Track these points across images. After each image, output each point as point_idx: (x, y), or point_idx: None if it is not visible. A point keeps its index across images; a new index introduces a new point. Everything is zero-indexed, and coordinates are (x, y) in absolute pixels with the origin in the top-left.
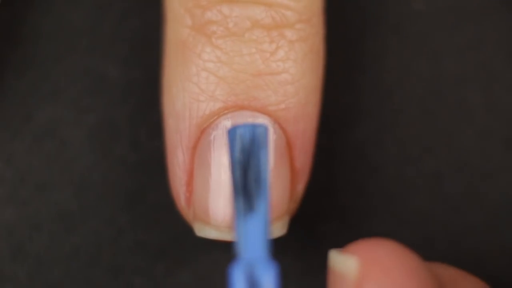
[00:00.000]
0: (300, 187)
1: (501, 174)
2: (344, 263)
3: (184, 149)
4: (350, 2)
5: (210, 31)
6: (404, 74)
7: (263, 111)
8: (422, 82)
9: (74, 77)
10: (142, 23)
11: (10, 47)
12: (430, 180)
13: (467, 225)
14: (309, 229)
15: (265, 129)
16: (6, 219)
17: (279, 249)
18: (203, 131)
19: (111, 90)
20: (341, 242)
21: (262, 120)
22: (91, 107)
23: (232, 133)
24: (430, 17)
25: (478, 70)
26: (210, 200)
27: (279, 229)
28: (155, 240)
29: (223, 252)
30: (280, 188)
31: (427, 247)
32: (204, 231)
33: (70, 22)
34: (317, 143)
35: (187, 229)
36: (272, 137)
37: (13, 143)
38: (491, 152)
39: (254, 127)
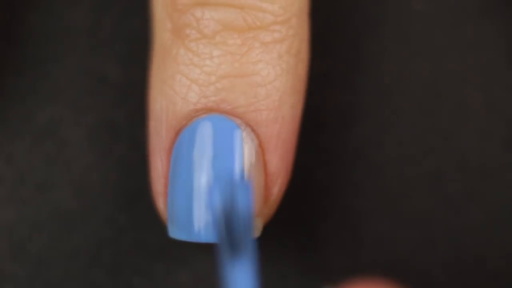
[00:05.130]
0: (276, 190)
1: (501, 174)
2: None
3: (162, 152)
4: (350, 2)
5: (184, 34)
6: (404, 74)
7: (232, 113)
8: (422, 82)
9: (74, 77)
10: (142, 23)
11: (10, 47)
12: (430, 180)
13: (467, 225)
14: (309, 229)
15: (248, 188)
16: (6, 219)
17: (279, 249)
18: (177, 134)
19: (111, 90)
20: (341, 242)
21: (234, 122)
22: (91, 107)
23: (212, 191)
24: (430, 17)
25: (478, 70)
26: None
27: None
28: (155, 240)
29: None
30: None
31: (427, 247)
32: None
33: (70, 22)
34: (317, 143)
35: None
36: (243, 139)
37: (13, 143)
38: (491, 152)
39: (234, 192)
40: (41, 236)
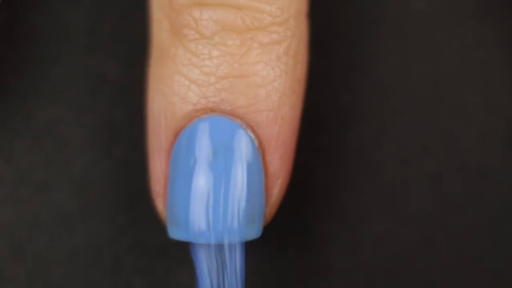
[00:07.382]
0: (276, 191)
1: (501, 174)
2: None
3: (161, 153)
4: (350, 2)
5: (182, 35)
6: (404, 74)
7: (232, 113)
8: (422, 82)
9: (74, 77)
10: (142, 23)
11: (10, 47)
12: (430, 180)
13: (467, 225)
14: (309, 229)
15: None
16: (6, 219)
17: (279, 249)
18: (176, 134)
19: (111, 90)
20: (341, 242)
21: (234, 123)
22: (91, 107)
23: (198, 250)
24: (430, 17)
25: (478, 70)
26: None
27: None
28: (155, 240)
29: None
30: (252, 191)
31: (427, 247)
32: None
33: (70, 22)
34: (317, 143)
35: None
36: (244, 139)
37: (13, 143)
38: (491, 152)
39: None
40: (41, 236)
